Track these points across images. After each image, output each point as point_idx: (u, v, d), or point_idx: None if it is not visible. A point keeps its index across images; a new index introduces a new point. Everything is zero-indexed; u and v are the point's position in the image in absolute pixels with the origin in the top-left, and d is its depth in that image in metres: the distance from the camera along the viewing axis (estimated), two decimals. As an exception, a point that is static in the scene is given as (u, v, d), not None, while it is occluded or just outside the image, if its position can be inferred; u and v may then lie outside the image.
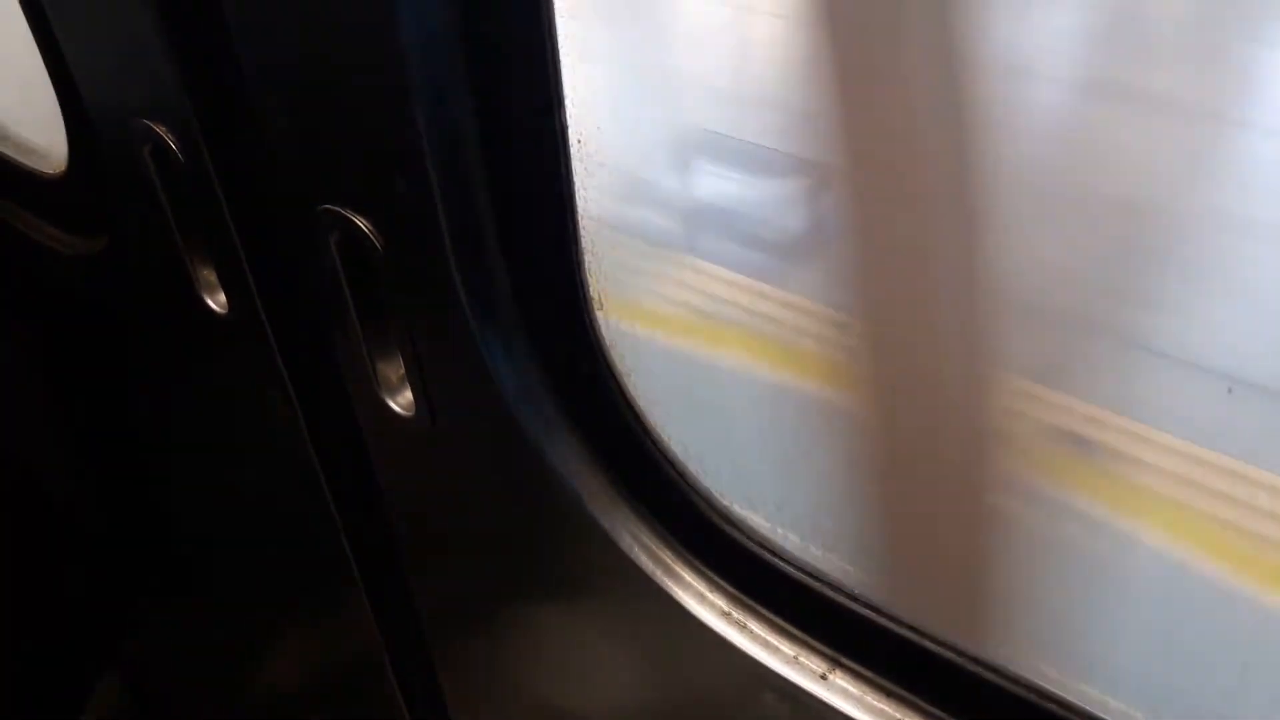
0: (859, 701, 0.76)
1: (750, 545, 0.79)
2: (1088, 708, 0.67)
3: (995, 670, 0.71)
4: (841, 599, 0.76)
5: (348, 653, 1.33)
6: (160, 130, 0.83)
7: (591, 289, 0.72)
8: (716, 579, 0.80)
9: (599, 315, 0.73)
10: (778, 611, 0.79)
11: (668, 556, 0.81)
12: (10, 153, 1.15)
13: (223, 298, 0.94)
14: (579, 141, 0.64)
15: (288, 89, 0.72)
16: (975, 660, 0.72)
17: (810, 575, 0.77)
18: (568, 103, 0.63)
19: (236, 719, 1.83)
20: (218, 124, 0.80)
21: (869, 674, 0.76)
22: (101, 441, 1.42)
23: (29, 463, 1.53)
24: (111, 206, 1.01)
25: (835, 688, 0.76)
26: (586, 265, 0.71)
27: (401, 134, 0.66)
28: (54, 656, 1.83)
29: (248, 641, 1.57)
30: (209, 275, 0.94)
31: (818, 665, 0.77)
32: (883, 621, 0.75)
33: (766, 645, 0.79)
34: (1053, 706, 0.68)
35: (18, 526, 1.60)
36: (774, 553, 0.78)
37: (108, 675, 1.97)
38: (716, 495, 0.79)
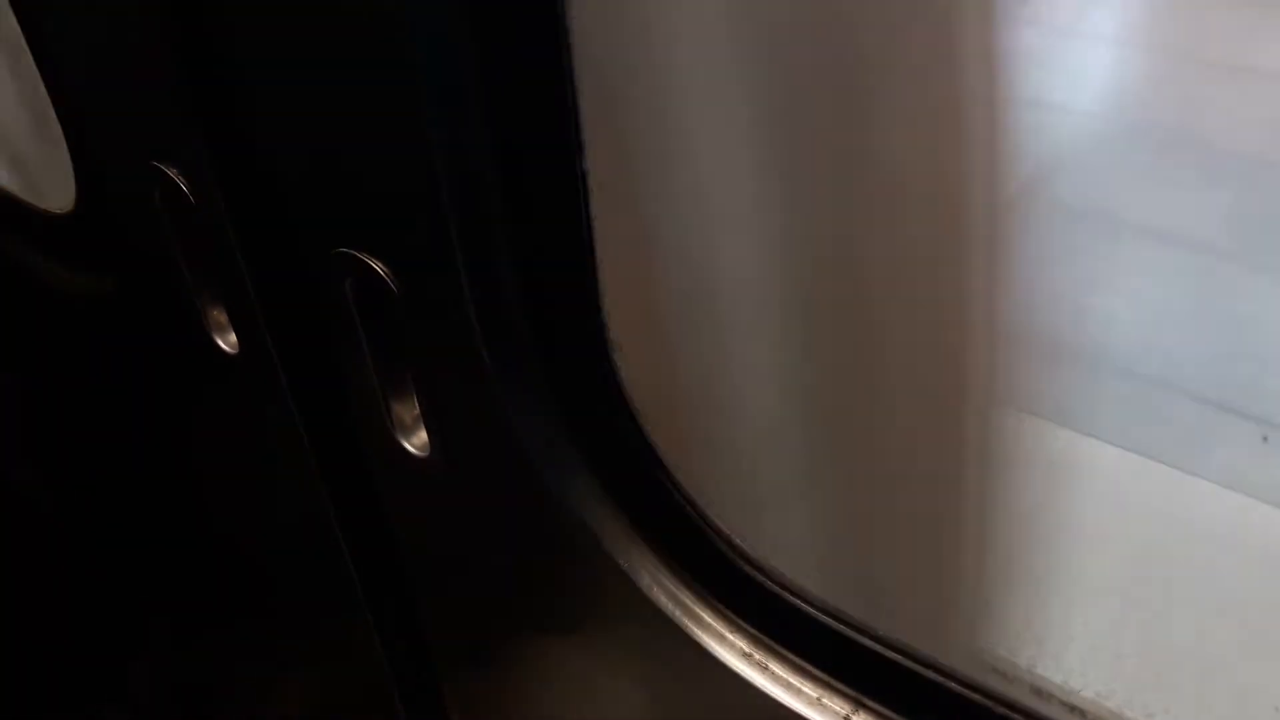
0: (883, 743, 0.75)
1: (772, 586, 0.78)
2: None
3: (1023, 711, 0.71)
4: (865, 640, 0.75)
5: (355, 687, 1.32)
6: (172, 172, 0.83)
7: (611, 332, 0.71)
8: (737, 620, 0.80)
9: (618, 358, 0.73)
10: (800, 653, 0.78)
11: (688, 598, 0.80)
12: (15, 188, 1.14)
13: (233, 337, 0.93)
14: (600, 187, 0.64)
15: (303, 132, 0.72)
16: (1002, 701, 0.71)
17: (833, 616, 0.76)
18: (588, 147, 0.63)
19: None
20: (230, 166, 0.80)
21: (893, 716, 0.75)
22: (108, 479, 1.41)
23: (35, 498, 1.52)
24: (121, 247, 1.01)
25: (859, 730, 0.76)
26: (606, 309, 0.70)
27: (420, 179, 0.65)
28: (58, 687, 1.82)
29: (254, 674, 1.56)
30: (219, 315, 0.93)
31: (841, 707, 0.76)
32: (907, 662, 0.74)
33: (789, 687, 0.78)
34: (1083, 750, 0.68)
35: (23, 560, 1.59)
36: (796, 593, 0.77)
37: (112, 706, 1.96)
38: (737, 538, 0.78)
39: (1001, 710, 0.70)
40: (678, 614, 0.80)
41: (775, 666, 0.79)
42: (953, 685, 0.72)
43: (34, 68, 0.94)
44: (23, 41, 0.92)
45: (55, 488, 1.52)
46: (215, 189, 0.80)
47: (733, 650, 0.80)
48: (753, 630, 0.79)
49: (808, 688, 0.78)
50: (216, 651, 1.60)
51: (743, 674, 0.79)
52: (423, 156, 0.64)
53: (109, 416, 1.28)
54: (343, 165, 0.71)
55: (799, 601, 0.77)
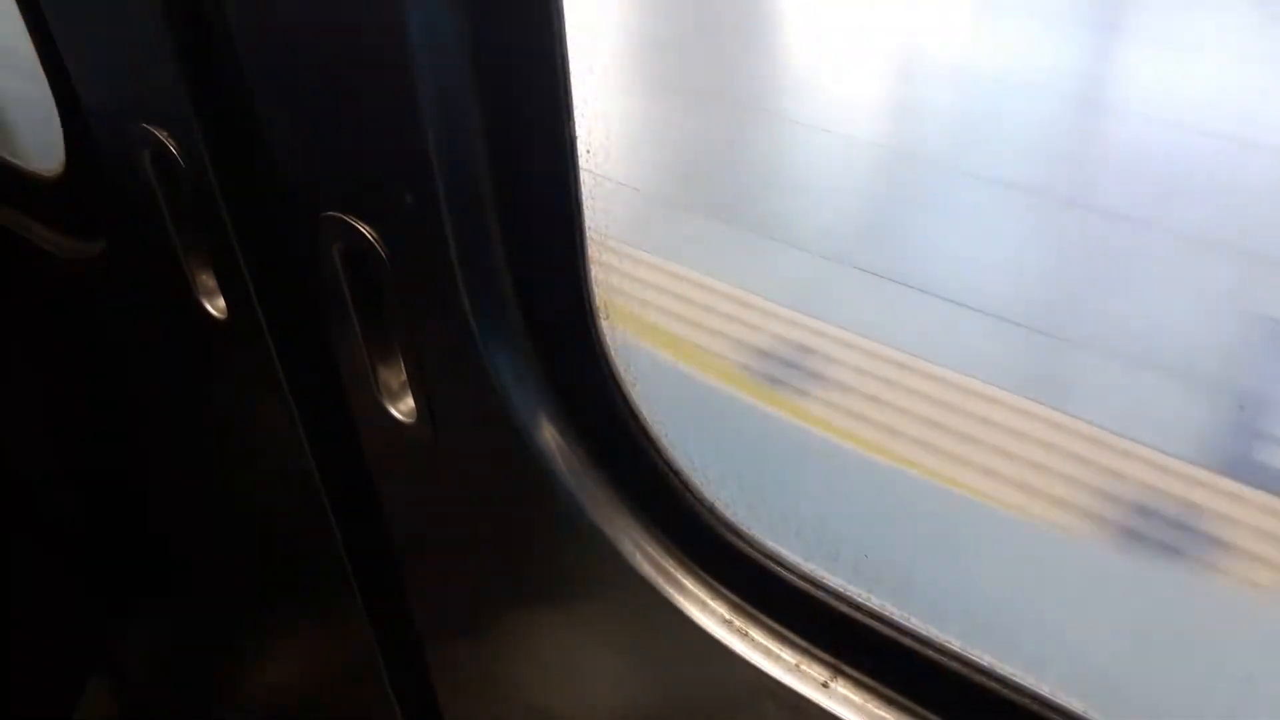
0: (860, 709, 0.76)
1: (753, 553, 0.79)
2: (1090, 715, 0.68)
3: (996, 678, 0.72)
4: (843, 607, 0.76)
5: (342, 658, 1.33)
6: (161, 135, 0.83)
7: (597, 298, 0.72)
8: (719, 587, 0.80)
9: (604, 325, 0.73)
10: (780, 620, 0.79)
11: (670, 565, 0.81)
12: (6, 154, 1.14)
13: (221, 302, 0.93)
14: (588, 152, 0.64)
15: (293, 95, 0.72)
16: (977, 668, 0.72)
17: (812, 583, 0.77)
18: (576, 114, 0.63)
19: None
20: (220, 128, 0.80)
21: (870, 682, 0.76)
22: (95, 445, 1.41)
23: (21, 466, 1.52)
24: (109, 210, 1.00)
25: (837, 696, 0.77)
26: (592, 275, 0.71)
27: (409, 144, 0.65)
28: (44, 657, 1.82)
29: (240, 645, 1.57)
30: (207, 280, 0.93)
31: (819, 673, 0.78)
32: (884, 630, 0.75)
33: (768, 654, 0.79)
34: (1055, 715, 0.69)
35: (9, 529, 1.59)
36: (776, 561, 0.78)
37: (97, 677, 1.96)
38: (720, 504, 0.79)
39: (977, 677, 0.71)
40: (660, 581, 0.81)
41: (755, 633, 0.80)
42: (929, 652, 0.73)
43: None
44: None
45: (42, 453, 1.51)
46: (203, 151, 0.80)
47: (714, 617, 0.80)
48: (734, 597, 0.80)
49: (787, 654, 0.79)
50: (201, 623, 1.61)
51: (723, 641, 0.80)
52: (411, 121, 0.65)
53: (97, 381, 1.28)
54: (331, 129, 0.71)
55: (779, 569, 0.78)
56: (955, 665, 0.72)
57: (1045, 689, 0.70)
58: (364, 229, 0.73)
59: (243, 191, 0.83)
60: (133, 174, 0.89)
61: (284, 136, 0.74)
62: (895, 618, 0.75)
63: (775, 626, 0.79)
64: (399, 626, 1.12)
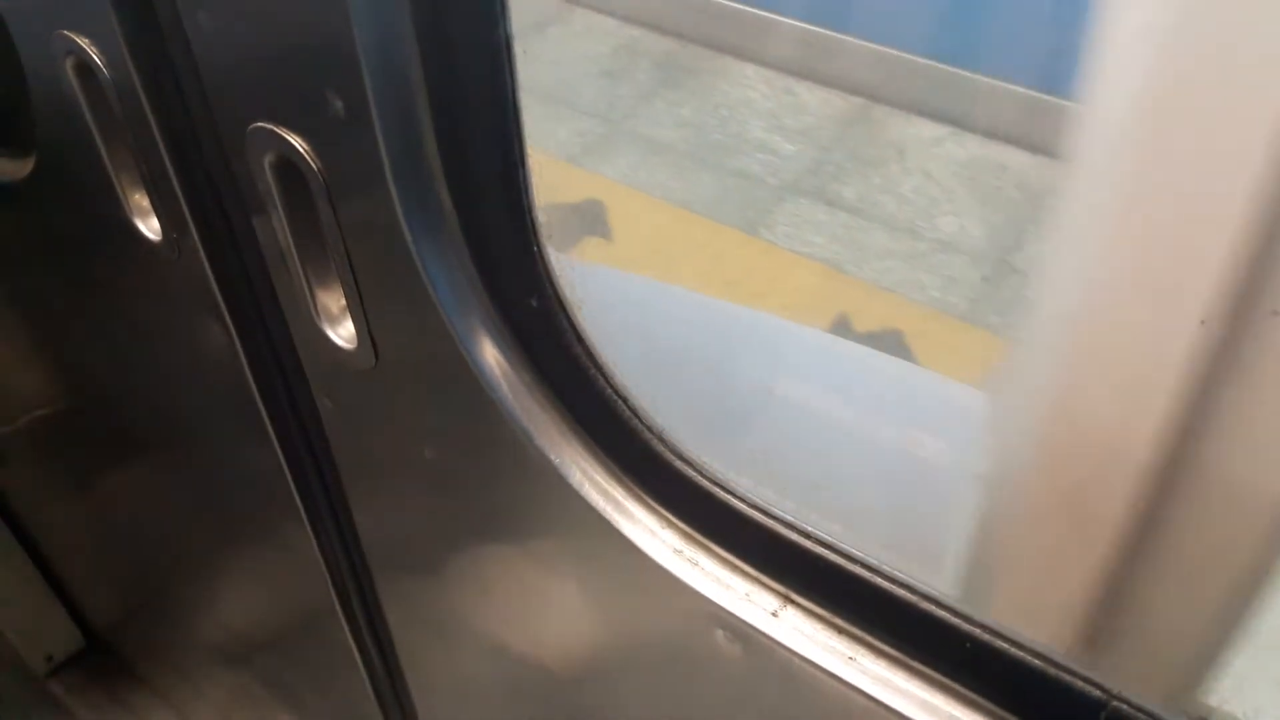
0: (810, 638, 0.75)
1: (702, 481, 0.77)
2: (1041, 648, 0.67)
3: (945, 606, 0.71)
4: (793, 535, 0.75)
5: (295, 589, 1.31)
6: (83, 42, 0.78)
7: (540, 216, 0.69)
8: (668, 516, 0.79)
9: (548, 244, 0.70)
10: (730, 549, 0.77)
11: (619, 493, 0.79)
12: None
13: (155, 223, 0.90)
14: (524, 52, 0.61)
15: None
16: (924, 595, 0.71)
17: (763, 512, 0.76)
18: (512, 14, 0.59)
19: (185, 654, 1.81)
20: (143, 35, 0.76)
21: (820, 610, 0.75)
22: (32, 373, 1.37)
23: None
24: (37, 126, 0.96)
25: (787, 624, 0.75)
26: (534, 191, 0.67)
27: (336, 47, 0.62)
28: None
29: (195, 576, 1.55)
30: (140, 200, 0.89)
31: (769, 602, 0.76)
32: (834, 558, 0.74)
33: (718, 582, 0.77)
34: (1003, 644, 0.68)
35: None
36: (726, 489, 0.77)
37: (54, 612, 1.95)
38: (667, 431, 0.77)
39: (924, 604, 0.70)
40: (609, 510, 0.79)
41: (706, 562, 0.78)
42: (878, 580, 0.72)
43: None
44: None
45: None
46: (127, 60, 0.76)
47: (663, 547, 0.79)
48: (684, 526, 0.79)
49: (737, 583, 0.77)
50: (155, 555, 1.59)
51: (673, 570, 0.78)
52: (339, 22, 0.61)
53: (33, 307, 1.24)
54: (258, 35, 0.68)
55: (729, 497, 0.76)
56: (903, 593, 0.71)
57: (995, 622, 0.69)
58: (295, 140, 0.69)
59: (171, 104, 0.79)
60: (57, 87, 0.84)
61: (207, 42, 0.70)
62: (845, 546, 0.74)
63: (725, 555, 0.78)
64: (348, 557, 1.10)
